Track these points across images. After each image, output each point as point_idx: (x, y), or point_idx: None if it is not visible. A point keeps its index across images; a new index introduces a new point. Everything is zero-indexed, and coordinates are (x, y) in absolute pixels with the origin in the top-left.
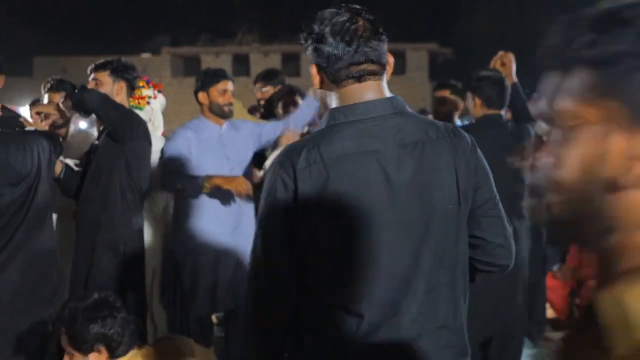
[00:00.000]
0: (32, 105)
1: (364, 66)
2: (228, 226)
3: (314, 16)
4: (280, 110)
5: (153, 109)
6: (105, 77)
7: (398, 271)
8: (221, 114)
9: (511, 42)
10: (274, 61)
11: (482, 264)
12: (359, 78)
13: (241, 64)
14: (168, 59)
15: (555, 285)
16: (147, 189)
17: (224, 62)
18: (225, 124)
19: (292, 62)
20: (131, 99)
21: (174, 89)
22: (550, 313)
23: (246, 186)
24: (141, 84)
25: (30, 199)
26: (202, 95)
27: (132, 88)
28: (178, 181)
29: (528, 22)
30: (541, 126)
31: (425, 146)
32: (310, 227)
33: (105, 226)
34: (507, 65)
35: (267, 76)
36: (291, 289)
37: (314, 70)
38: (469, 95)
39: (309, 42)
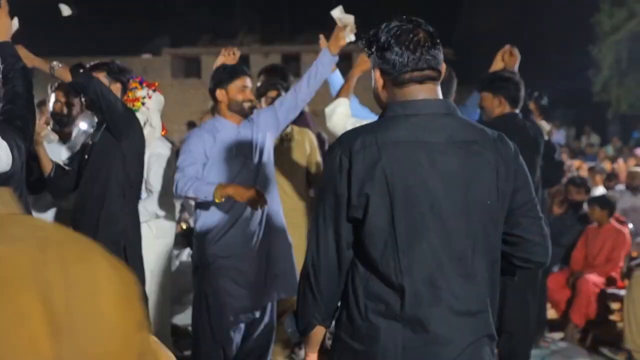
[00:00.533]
0: (38, 105)
1: (426, 72)
2: (250, 234)
3: (376, 25)
4: (263, 104)
5: (149, 109)
6: (102, 78)
7: (438, 251)
8: (241, 111)
9: (512, 43)
10: (274, 62)
11: (519, 260)
12: (421, 81)
13: (241, 65)
14: (168, 60)
15: (555, 286)
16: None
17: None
18: (242, 122)
19: (292, 63)
20: (126, 101)
21: (175, 90)
22: (550, 313)
23: (259, 199)
24: (134, 85)
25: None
26: (220, 93)
27: (125, 91)
28: (190, 189)
29: (529, 23)
30: (542, 124)
31: (472, 146)
32: (361, 202)
33: (105, 222)
34: (514, 57)
35: (271, 71)
36: (348, 258)
37: (377, 74)
38: (488, 95)
39: (374, 49)
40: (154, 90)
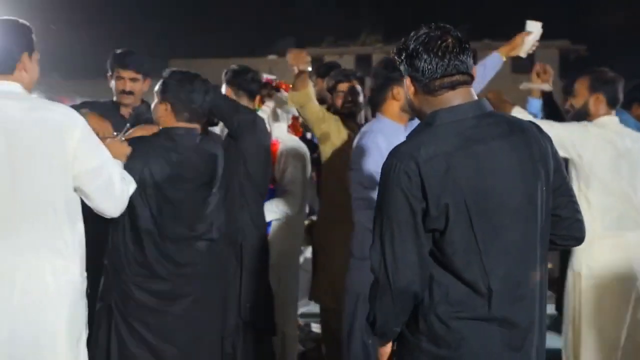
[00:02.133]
0: None
1: (456, 77)
2: None
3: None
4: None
5: (269, 108)
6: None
7: (515, 247)
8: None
9: None
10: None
11: (560, 239)
12: (453, 87)
13: (364, 65)
14: None
15: None
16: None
17: (347, 62)
18: (407, 123)
19: None
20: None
21: None
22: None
23: None
24: (283, 86)
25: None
26: (398, 92)
27: (251, 94)
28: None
29: None
30: None
31: (519, 137)
32: (441, 212)
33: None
34: (547, 74)
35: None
36: (427, 267)
37: (408, 81)
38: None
39: (403, 57)
40: (278, 90)
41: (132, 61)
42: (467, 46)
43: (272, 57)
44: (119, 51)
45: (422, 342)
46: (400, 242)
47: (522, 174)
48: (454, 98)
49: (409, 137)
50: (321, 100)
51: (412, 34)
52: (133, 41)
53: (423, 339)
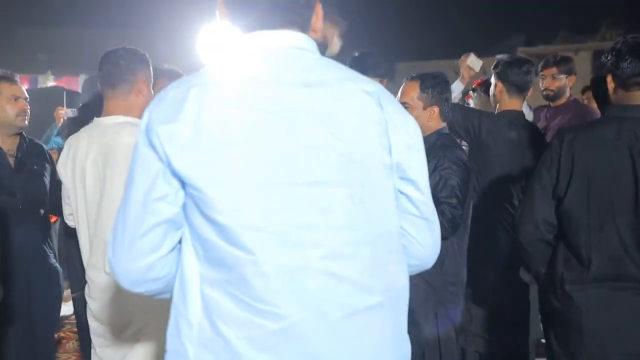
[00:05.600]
0: None
1: None
2: None
3: None
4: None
5: None
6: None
7: (625, 234)
8: None
9: None
10: None
11: None
12: None
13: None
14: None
15: None
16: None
17: (583, 59)
18: None
19: None
20: None
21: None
22: None
23: None
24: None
25: None
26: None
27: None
28: None
29: None
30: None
31: None
32: (566, 185)
33: None
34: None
35: (564, 62)
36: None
37: (609, 77)
38: None
39: (610, 58)
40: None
41: (371, 64)
42: None
43: (499, 56)
44: (356, 54)
45: (548, 293)
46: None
47: None
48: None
49: (583, 123)
50: (554, 98)
51: (620, 39)
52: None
53: (548, 290)
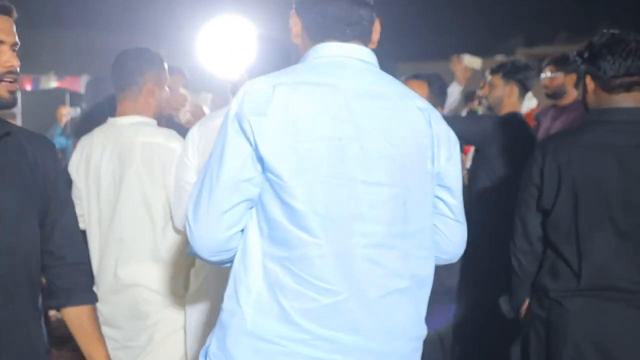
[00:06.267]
0: None
1: (636, 78)
2: None
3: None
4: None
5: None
6: (498, 80)
7: (614, 242)
8: None
9: None
10: None
11: None
12: (628, 88)
13: None
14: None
15: None
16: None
17: None
18: None
19: None
20: None
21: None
22: None
23: None
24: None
25: None
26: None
27: (525, 89)
28: None
29: None
30: None
31: None
32: (553, 198)
33: None
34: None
35: (560, 61)
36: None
37: (588, 78)
38: None
39: (588, 56)
40: None
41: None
42: None
43: (499, 57)
44: None
45: (532, 303)
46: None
47: None
48: (626, 100)
49: (563, 130)
50: (558, 95)
51: (596, 36)
52: None
53: (533, 300)
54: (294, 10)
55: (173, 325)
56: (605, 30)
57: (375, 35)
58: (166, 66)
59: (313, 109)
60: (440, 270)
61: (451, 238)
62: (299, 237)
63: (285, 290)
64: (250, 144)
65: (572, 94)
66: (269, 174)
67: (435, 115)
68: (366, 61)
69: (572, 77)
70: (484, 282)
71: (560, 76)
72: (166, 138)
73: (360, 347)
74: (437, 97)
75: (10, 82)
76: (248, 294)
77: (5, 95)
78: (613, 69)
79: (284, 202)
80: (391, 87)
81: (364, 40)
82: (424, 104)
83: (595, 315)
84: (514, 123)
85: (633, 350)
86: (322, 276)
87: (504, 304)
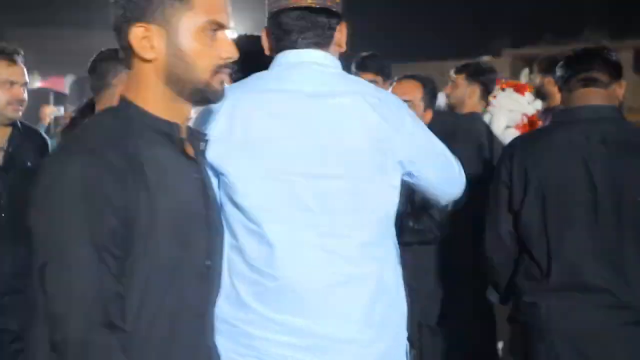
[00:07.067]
0: None
1: (589, 74)
2: None
3: None
4: None
5: (495, 108)
6: (461, 79)
7: (585, 242)
8: None
9: None
10: (625, 59)
11: None
12: (586, 85)
13: None
14: (508, 62)
15: None
16: None
17: None
18: None
19: None
20: None
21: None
22: None
23: None
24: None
25: None
26: None
27: (488, 92)
28: None
29: None
30: None
31: (625, 147)
32: (521, 198)
33: None
34: None
35: (541, 63)
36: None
37: (557, 86)
38: None
39: (558, 71)
40: (503, 89)
41: (372, 64)
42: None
43: (486, 57)
44: (364, 54)
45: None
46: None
47: (613, 181)
48: (586, 97)
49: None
50: (543, 97)
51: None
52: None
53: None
54: (265, 26)
55: None
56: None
57: (341, 38)
58: None
59: (256, 114)
60: (415, 272)
61: (446, 190)
62: (250, 228)
63: (240, 276)
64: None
65: (556, 97)
66: (221, 176)
67: (388, 107)
68: (321, 64)
69: (550, 80)
70: (463, 281)
71: (537, 77)
72: None
73: (312, 330)
74: (428, 100)
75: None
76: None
77: (14, 115)
78: (569, 72)
79: (233, 201)
80: (341, 85)
81: (323, 44)
82: (375, 98)
83: (567, 314)
84: (466, 123)
85: (607, 348)
86: (267, 263)
87: (491, 295)
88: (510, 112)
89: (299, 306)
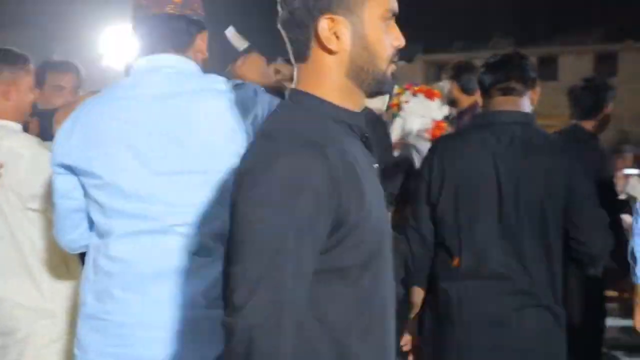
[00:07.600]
0: None
1: (506, 84)
2: None
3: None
4: None
5: (406, 113)
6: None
7: (490, 233)
8: None
9: None
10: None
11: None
12: (504, 93)
13: None
14: (421, 67)
15: None
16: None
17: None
18: None
19: (549, 66)
20: (390, 106)
21: None
22: None
23: None
24: (399, 91)
25: None
26: None
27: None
28: None
29: None
30: None
31: (528, 147)
32: (438, 193)
33: None
34: None
35: (447, 70)
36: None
37: (480, 91)
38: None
39: (480, 75)
40: (415, 95)
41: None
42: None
43: (400, 63)
44: None
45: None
46: (416, 214)
47: (515, 179)
48: (503, 104)
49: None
50: (451, 102)
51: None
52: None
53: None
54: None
55: (49, 337)
56: (500, 54)
57: (202, 44)
58: (32, 67)
59: (104, 120)
60: None
61: None
62: (106, 224)
63: (97, 268)
64: (71, 170)
65: (463, 101)
66: (82, 178)
67: (239, 97)
68: (173, 66)
69: (456, 86)
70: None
71: (448, 84)
72: (18, 142)
73: (140, 315)
74: None
75: None
76: (87, 282)
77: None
78: (490, 80)
79: (98, 203)
80: (190, 84)
81: (179, 49)
82: (223, 86)
83: (475, 299)
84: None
85: (510, 330)
86: (114, 252)
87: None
88: (422, 117)
89: (136, 285)
